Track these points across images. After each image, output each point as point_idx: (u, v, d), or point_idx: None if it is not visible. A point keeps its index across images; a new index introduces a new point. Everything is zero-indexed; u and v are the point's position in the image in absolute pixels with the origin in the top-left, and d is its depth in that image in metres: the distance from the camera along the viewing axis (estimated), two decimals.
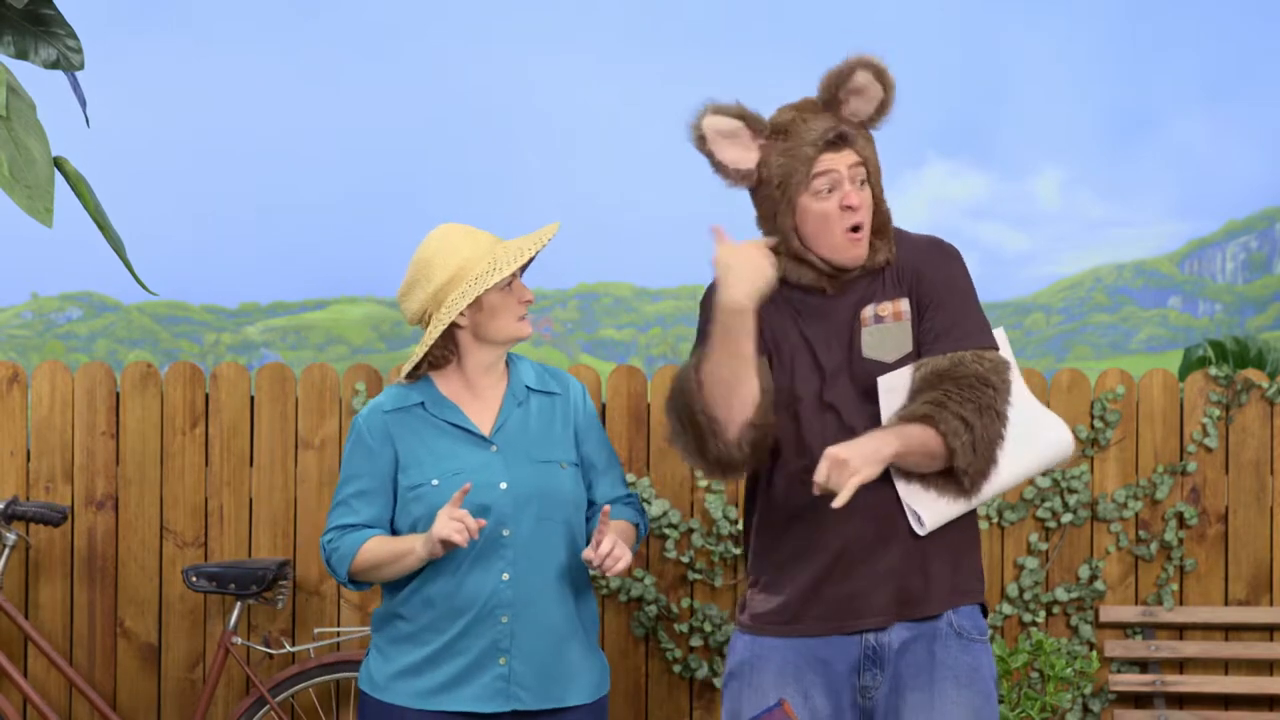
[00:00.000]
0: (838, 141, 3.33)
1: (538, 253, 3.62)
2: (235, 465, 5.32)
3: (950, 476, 3.36)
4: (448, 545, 3.45)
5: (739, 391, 3.32)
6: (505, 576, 3.57)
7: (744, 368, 3.31)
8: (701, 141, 3.40)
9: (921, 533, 3.40)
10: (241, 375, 5.35)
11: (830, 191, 3.35)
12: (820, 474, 3.19)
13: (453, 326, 3.62)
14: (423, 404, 3.64)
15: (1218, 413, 5.34)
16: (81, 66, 3.14)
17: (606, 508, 3.53)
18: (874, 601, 3.42)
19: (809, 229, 3.38)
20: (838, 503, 3.17)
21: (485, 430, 3.62)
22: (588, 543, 3.65)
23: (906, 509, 3.40)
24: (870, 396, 3.39)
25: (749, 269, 3.25)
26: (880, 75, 3.36)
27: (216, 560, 5.30)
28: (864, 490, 3.33)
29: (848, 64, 3.37)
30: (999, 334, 3.53)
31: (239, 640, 5.08)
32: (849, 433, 3.37)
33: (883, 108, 3.39)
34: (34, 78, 3.15)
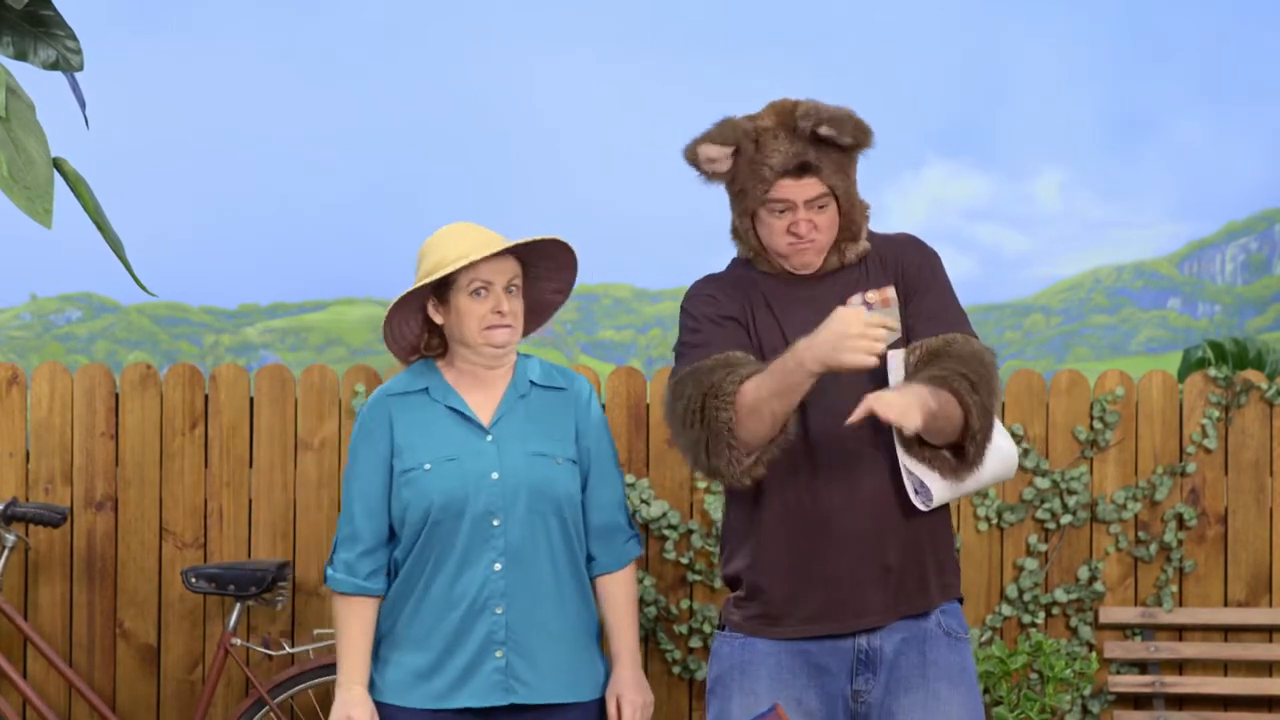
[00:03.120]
0: (799, 170, 3.39)
1: (496, 253, 3.56)
2: (234, 467, 5.32)
3: (950, 452, 3.37)
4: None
5: (775, 428, 3.34)
6: (497, 566, 3.57)
7: (789, 410, 3.33)
8: (693, 164, 3.49)
9: (925, 508, 3.41)
10: (241, 376, 5.35)
11: (783, 213, 3.43)
12: (855, 417, 3.21)
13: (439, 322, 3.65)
14: (426, 389, 3.64)
15: (1217, 414, 5.34)
16: (81, 67, 3.14)
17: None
18: (873, 601, 3.42)
19: (762, 233, 3.47)
20: (851, 420, 3.22)
21: (485, 420, 3.62)
22: (585, 547, 3.70)
23: (909, 486, 3.40)
24: (859, 388, 3.40)
25: (867, 340, 3.23)
26: (838, 129, 3.39)
27: (216, 561, 5.30)
28: (861, 488, 3.36)
29: (807, 121, 3.41)
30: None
31: (238, 641, 5.08)
32: (838, 427, 3.38)
33: (858, 143, 3.42)
34: (33, 79, 3.15)
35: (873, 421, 3.39)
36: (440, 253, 3.58)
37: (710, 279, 3.59)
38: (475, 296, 3.57)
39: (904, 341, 3.44)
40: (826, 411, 3.41)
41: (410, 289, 3.57)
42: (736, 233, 3.54)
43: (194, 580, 5.05)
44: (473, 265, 3.55)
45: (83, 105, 3.27)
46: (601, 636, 3.74)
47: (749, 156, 3.43)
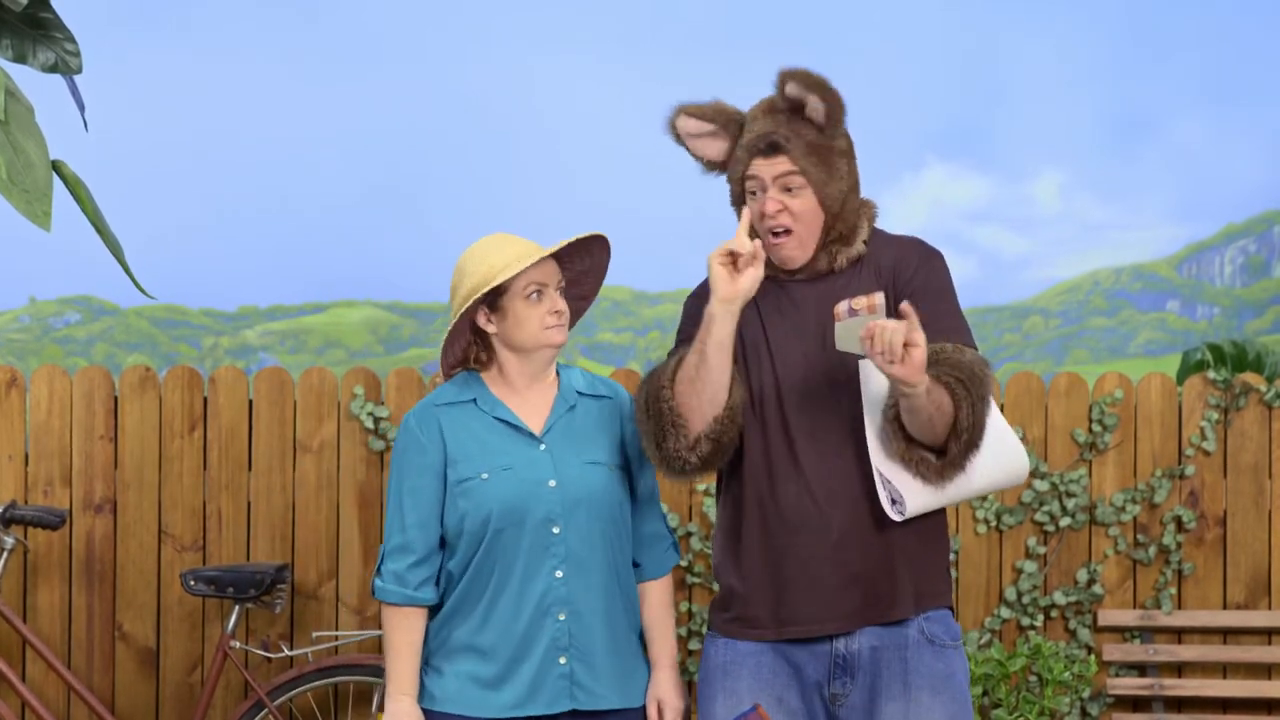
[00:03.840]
0: (768, 149, 3.41)
1: (550, 254, 3.60)
2: (233, 469, 5.32)
3: (934, 452, 3.36)
4: None
5: (707, 394, 3.38)
6: (558, 574, 3.57)
7: (708, 373, 3.36)
8: (678, 139, 3.56)
9: (898, 519, 3.39)
10: (240, 379, 5.34)
11: (756, 195, 3.45)
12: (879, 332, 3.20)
13: (486, 332, 3.64)
14: (475, 400, 3.64)
15: (1216, 416, 5.34)
16: (80, 70, 3.15)
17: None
18: (840, 605, 3.42)
19: (754, 222, 3.49)
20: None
21: (535, 430, 3.63)
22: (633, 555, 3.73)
23: (883, 496, 3.39)
24: (838, 393, 3.40)
25: (720, 281, 3.31)
26: (806, 85, 3.42)
27: (215, 564, 5.30)
28: (829, 492, 3.36)
29: (779, 78, 3.45)
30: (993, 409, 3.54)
31: (237, 644, 5.08)
32: (816, 429, 3.39)
33: (828, 114, 3.44)
34: (32, 81, 3.16)
35: (852, 428, 3.40)
36: (487, 263, 3.58)
37: None
38: (530, 300, 3.58)
39: None
40: (805, 417, 3.42)
41: (472, 300, 3.56)
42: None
43: (193, 583, 5.05)
44: (527, 269, 3.57)
45: (81, 108, 3.27)
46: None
47: (736, 145, 3.48)
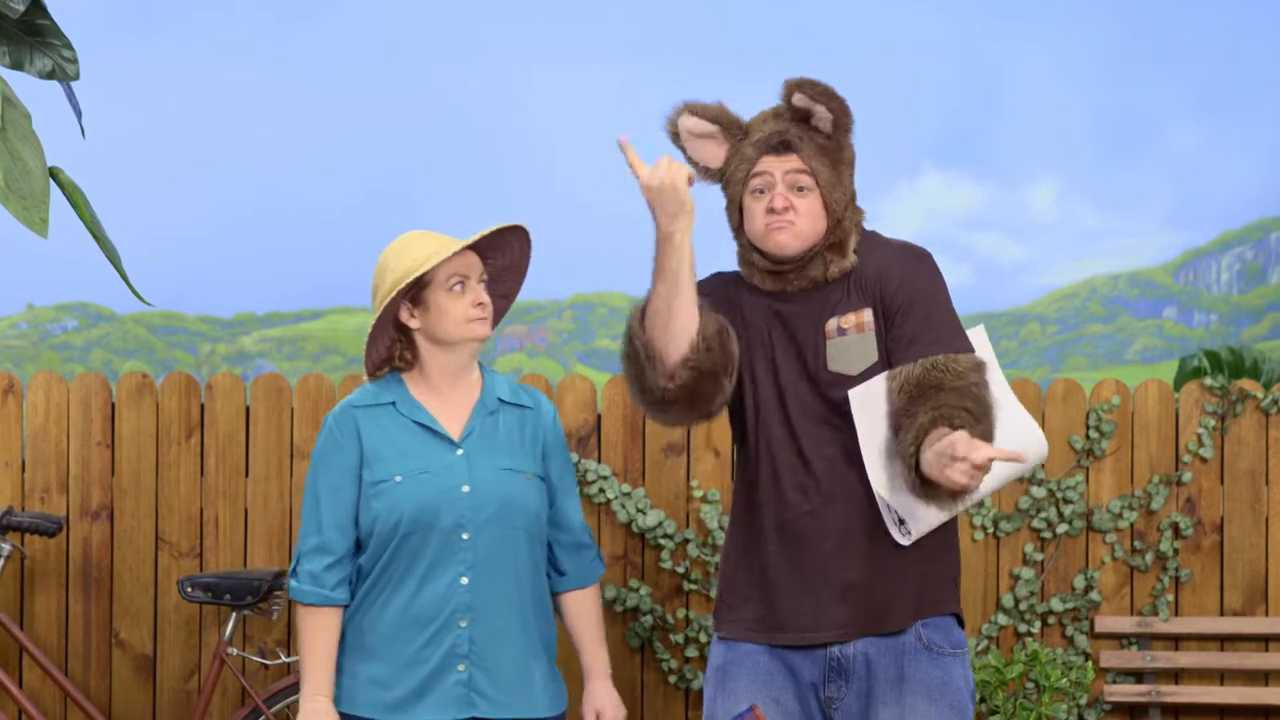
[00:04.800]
0: (780, 147, 3.42)
1: (469, 244, 3.60)
2: (230, 476, 5.32)
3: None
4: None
5: (674, 324, 3.38)
6: (464, 580, 3.58)
7: (680, 300, 3.36)
8: (675, 137, 3.56)
9: (905, 543, 3.40)
10: (237, 385, 5.34)
11: (763, 193, 3.45)
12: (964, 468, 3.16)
13: (409, 329, 3.63)
14: (394, 403, 3.65)
15: (1213, 423, 5.34)
16: (77, 77, 3.15)
17: None
18: (834, 615, 3.42)
19: (747, 225, 3.48)
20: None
21: (454, 435, 3.63)
22: (550, 563, 3.76)
23: (889, 520, 3.40)
24: (836, 410, 3.41)
25: (674, 194, 3.29)
26: (813, 95, 3.44)
27: (212, 571, 5.29)
28: (828, 501, 3.37)
29: (785, 89, 3.48)
30: (978, 333, 3.54)
31: (234, 651, 5.08)
32: (818, 441, 3.40)
33: (836, 124, 3.45)
34: (29, 88, 3.16)
35: (852, 439, 3.40)
36: (410, 257, 3.58)
37: (713, 276, 3.63)
38: (453, 292, 3.59)
39: (883, 365, 3.43)
40: (809, 428, 3.43)
41: (391, 295, 3.56)
42: (736, 238, 3.56)
43: (190, 589, 5.05)
44: (449, 261, 3.57)
45: (79, 114, 3.28)
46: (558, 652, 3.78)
47: (738, 143, 3.48)
